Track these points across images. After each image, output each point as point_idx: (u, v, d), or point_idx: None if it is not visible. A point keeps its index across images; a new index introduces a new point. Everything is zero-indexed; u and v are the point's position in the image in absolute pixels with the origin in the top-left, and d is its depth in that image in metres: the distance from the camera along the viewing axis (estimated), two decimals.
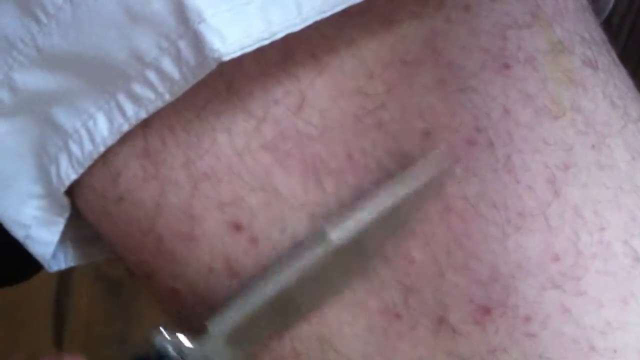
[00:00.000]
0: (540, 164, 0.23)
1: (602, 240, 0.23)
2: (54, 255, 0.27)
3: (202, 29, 0.20)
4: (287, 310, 0.23)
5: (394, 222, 0.22)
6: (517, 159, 0.23)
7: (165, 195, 0.24)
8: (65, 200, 0.25)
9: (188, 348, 0.23)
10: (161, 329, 0.23)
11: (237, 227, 0.23)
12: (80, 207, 0.26)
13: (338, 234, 0.22)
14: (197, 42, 0.21)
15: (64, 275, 0.49)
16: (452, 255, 0.22)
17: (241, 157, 0.23)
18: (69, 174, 0.24)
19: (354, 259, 0.22)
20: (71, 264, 0.29)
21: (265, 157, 0.23)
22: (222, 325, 0.22)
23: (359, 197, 0.23)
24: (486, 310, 0.22)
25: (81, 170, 0.24)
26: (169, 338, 0.23)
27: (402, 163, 0.23)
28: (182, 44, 0.21)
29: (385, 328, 0.23)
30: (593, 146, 0.23)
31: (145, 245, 0.25)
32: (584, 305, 0.22)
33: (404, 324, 0.23)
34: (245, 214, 0.23)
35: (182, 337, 0.23)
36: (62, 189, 0.25)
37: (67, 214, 0.26)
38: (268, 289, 0.22)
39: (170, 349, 0.23)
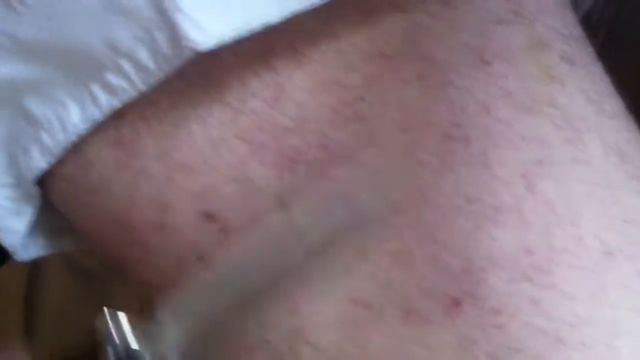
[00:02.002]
0: (516, 159, 0.23)
1: (574, 235, 0.23)
2: (23, 245, 0.27)
3: (179, 19, 0.20)
4: (243, 291, 0.23)
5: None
6: (493, 153, 0.23)
7: (138, 185, 0.23)
8: (36, 190, 0.25)
9: (129, 330, 0.22)
10: (105, 310, 0.22)
11: (209, 217, 0.23)
12: (53, 198, 0.26)
13: (298, 210, 0.22)
14: (174, 33, 0.20)
15: (35, 265, 0.48)
16: (423, 246, 0.22)
17: (216, 148, 0.23)
18: (40, 164, 0.24)
19: (313, 238, 0.22)
20: (42, 253, 0.29)
21: (240, 148, 0.23)
22: (170, 306, 0.22)
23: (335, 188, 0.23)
24: (456, 302, 0.22)
25: (52, 160, 0.24)
26: (110, 321, 0.22)
27: (378, 156, 0.23)
28: (159, 34, 0.21)
29: (355, 318, 0.23)
30: (569, 141, 0.24)
31: (117, 236, 0.24)
32: (554, 299, 0.23)
33: (374, 314, 0.23)
34: (218, 204, 0.23)
35: (123, 314, 0.22)
36: (33, 179, 0.24)
37: (37, 204, 0.25)
38: (220, 267, 0.22)
39: (111, 332, 0.22)
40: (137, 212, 0.24)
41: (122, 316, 0.22)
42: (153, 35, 0.21)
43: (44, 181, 0.25)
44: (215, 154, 0.23)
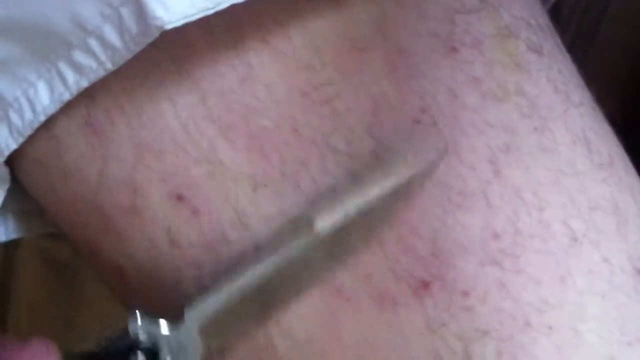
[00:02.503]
0: (484, 145, 0.23)
1: (541, 220, 0.23)
2: None
3: None
4: (267, 301, 0.22)
5: (379, 212, 0.22)
6: (461, 140, 0.23)
7: (108, 167, 0.23)
8: (5, 171, 0.25)
9: (162, 336, 0.22)
10: (137, 312, 0.22)
11: (180, 199, 0.23)
12: (23, 180, 0.25)
13: (324, 224, 0.22)
14: (140, 10, 0.20)
15: (9, 256, 0.48)
16: (393, 230, 0.22)
17: (185, 129, 0.23)
18: (9, 144, 0.24)
19: (337, 248, 0.22)
20: (13, 236, 0.28)
21: (209, 129, 0.23)
22: (198, 313, 0.22)
23: (304, 171, 0.23)
24: (425, 285, 0.22)
25: (21, 140, 0.24)
26: (141, 324, 0.22)
27: (348, 138, 0.23)
28: (125, 12, 0.21)
29: (327, 303, 0.23)
30: (536, 129, 0.24)
31: (87, 219, 0.24)
32: (522, 283, 0.23)
33: (344, 298, 0.23)
34: (188, 185, 0.23)
35: (161, 322, 0.22)
36: (2, 159, 0.24)
37: (6, 186, 0.25)
38: (248, 278, 0.22)
39: (143, 336, 0.22)
40: (107, 194, 0.24)
41: (161, 320, 0.22)
42: (119, 13, 0.21)
43: (13, 163, 0.25)
44: (185, 135, 0.23)
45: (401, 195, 0.22)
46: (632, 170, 0.27)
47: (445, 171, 0.23)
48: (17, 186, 0.26)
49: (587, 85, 0.27)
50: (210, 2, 0.21)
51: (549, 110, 0.24)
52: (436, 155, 0.23)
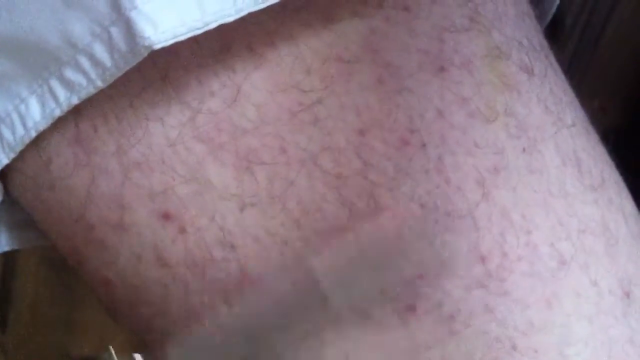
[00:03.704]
0: (471, 166, 0.23)
1: (528, 243, 0.23)
2: None
3: (134, 16, 0.20)
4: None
5: None
6: (449, 160, 0.23)
7: (96, 183, 0.23)
8: None
9: None
10: (110, 348, 0.22)
11: (167, 217, 0.23)
12: (13, 193, 0.26)
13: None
14: (129, 29, 0.20)
15: (10, 257, 0.48)
16: (380, 252, 0.22)
17: (174, 148, 0.23)
18: (1, 159, 0.24)
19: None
20: (6, 248, 0.29)
21: (198, 148, 0.23)
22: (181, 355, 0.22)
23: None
24: (411, 308, 0.22)
25: (13, 155, 0.24)
26: None
27: (336, 159, 0.23)
28: (114, 31, 0.21)
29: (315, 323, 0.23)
30: (524, 150, 0.24)
31: (76, 233, 0.24)
32: (508, 306, 0.23)
33: (331, 319, 0.23)
34: (176, 204, 0.23)
35: (137, 357, 0.22)
36: None
37: (0, 198, 0.25)
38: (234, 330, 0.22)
39: None
40: (95, 210, 0.24)
41: (137, 356, 0.22)
42: (109, 32, 0.21)
43: (4, 176, 0.25)
44: (173, 154, 0.23)
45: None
46: (625, 191, 0.27)
47: (432, 192, 0.23)
48: (9, 199, 0.26)
49: (589, 94, 0.26)
50: (199, 21, 0.21)
51: (538, 131, 0.24)
52: None
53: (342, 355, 0.23)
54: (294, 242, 0.23)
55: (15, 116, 0.23)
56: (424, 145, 0.23)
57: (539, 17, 0.28)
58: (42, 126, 0.23)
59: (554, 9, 0.29)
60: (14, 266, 0.48)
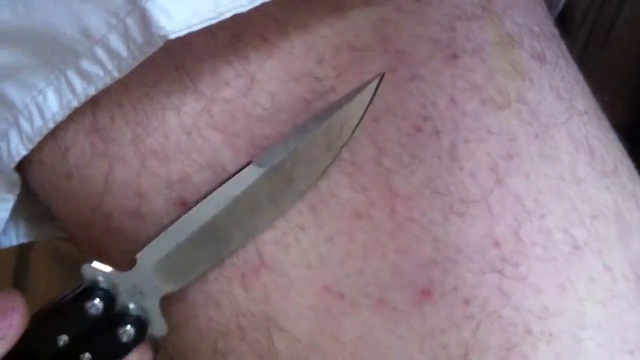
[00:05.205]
0: (484, 152, 0.23)
1: (542, 228, 0.23)
2: (4, 231, 0.28)
3: (149, 6, 0.20)
4: (220, 242, 0.23)
5: (320, 147, 0.23)
6: (462, 147, 0.23)
7: (114, 172, 0.24)
8: (16, 177, 0.25)
9: (118, 277, 0.23)
10: (93, 263, 0.23)
11: (184, 205, 0.23)
12: (31, 184, 0.26)
13: (262, 160, 0.22)
14: (144, 20, 0.21)
15: (23, 256, 0.49)
16: (394, 237, 0.23)
17: (190, 136, 0.23)
18: (19, 150, 0.24)
19: (281, 185, 0.23)
20: (23, 240, 0.29)
21: (214, 137, 0.23)
22: (150, 255, 0.23)
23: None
24: (426, 292, 0.23)
25: (31, 146, 0.24)
26: (99, 269, 0.23)
27: (350, 145, 0.23)
28: (130, 22, 0.21)
29: (328, 307, 0.23)
30: (537, 136, 0.24)
31: (93, 222, 0.25)
32: (523, 290, 0.23)
33: (345, 303, 0.23)
34: (192, 192, 0.23)
35: (110, 268, 0.23)
36: (12, 165, 0.25)
37: (17, 191, 0.26)
38: (196, 217, 0.22)
39: (101, 279, 0.23)
40: (112, 199, 0.24)
41: (107, 267, 0.23)
42: (125, 23, 0.21)
43: (23, 168, 0.25)
44: (189, 142, 0.23)
45: (343, 132, 0.23)
46: (637, 178, 0.27)
47: (446, 179, 0.23)
48: (27, 191, 0.26)
49: (598, 89, 0.27)
50: (213, 12, 0.21)
51: (551, 118, 0.24)
52: (373, 82, 0.22)
53: (356, 333, 0.23)
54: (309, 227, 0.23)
55: (33, 108, 0.23)
56: (437, 132, 0.23)
57: (549, 7, 0.28)
58: (60, 117, 0.23)
59: (563, 0, 0.29)
60: (27, 267, 0.48)
